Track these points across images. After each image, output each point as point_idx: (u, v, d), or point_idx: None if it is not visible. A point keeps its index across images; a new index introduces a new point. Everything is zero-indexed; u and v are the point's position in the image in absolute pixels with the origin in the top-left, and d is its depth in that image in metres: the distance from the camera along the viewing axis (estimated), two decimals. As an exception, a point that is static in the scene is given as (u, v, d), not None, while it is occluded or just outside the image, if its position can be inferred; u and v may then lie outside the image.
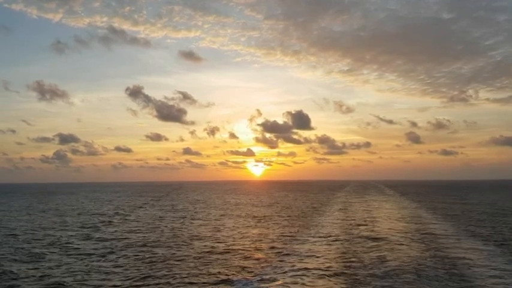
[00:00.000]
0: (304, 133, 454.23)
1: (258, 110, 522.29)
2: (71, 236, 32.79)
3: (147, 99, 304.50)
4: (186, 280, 18.68)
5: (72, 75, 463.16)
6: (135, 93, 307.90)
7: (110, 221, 43.07)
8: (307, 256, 23.41)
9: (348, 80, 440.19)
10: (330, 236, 30.56)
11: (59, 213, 54.92)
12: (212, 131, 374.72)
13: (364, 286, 17.25)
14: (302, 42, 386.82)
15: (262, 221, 42.36)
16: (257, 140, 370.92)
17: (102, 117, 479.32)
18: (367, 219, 42.27)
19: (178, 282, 18.33)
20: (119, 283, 18.39)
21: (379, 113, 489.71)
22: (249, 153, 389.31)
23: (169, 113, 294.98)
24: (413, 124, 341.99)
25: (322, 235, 31.28)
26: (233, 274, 19.58)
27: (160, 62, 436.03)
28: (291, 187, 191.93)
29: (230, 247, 26.64)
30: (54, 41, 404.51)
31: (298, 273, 19.59)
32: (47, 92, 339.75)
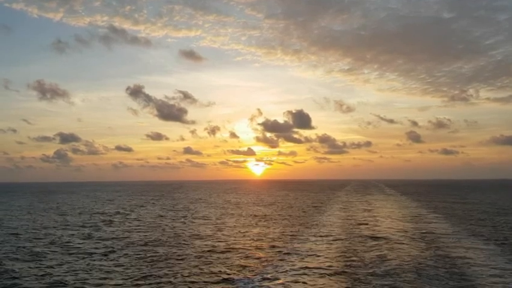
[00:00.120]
0: (305, 132, 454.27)
1: (258, 110, 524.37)
2: (72, 235, 32.87)
3: (148, 99, 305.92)
4: (187, 279, 18.73)
5: (72, 75, 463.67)
6: (135, 92, 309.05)
7: (110, 220, 43.14)
8: (308, 255, 23.45)
9: (348, 79, 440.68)
10: (331, 235, 30.61)
11: (60, 212, 55.02)
12: (213, 131, 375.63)
13: (365, 285, 17.29)
14: (302, 42, 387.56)
15: (262, 220, 42.41)
16: (258, 139, 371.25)
17: (102, 117, 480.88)
18: (368, 218, 42.31)
19: (180, 282, 18.37)
20: (120, 282, 18.43)
21: (380, 112, 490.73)
22: (250, 152, 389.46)
23: (170, 113, 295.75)
24: (414, 123, 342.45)
25: (322, 234, 31.32)
26: (234, 273, 19.62)
27: (161, 61, 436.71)
28: (292, 186, 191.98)
29: (231, 246, 26.69)
30: (55, 40, 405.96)
31: (299, 272, 19.63)
32: (47, 91, 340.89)
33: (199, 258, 23.14)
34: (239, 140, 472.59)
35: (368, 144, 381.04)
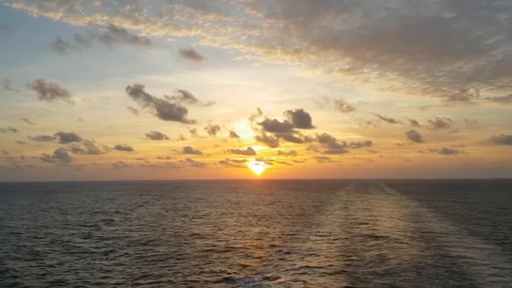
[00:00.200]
0: (305, 132, 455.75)
1: (258, 109, 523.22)
2: (73, 234, 32.92)
3: (148, 98, 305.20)
4: (188, 278, 18.77)
5: (72, 74, 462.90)
6: (135, 92, 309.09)
7: (111, 220, 43.19)
8: (308, 254, 23.50)
9: (348, 78, 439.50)
10: (331, 235, 30.65)
11: (61, 211, 55.08)
12: (213, 130, 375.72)
13: (365, 284, 17.34)
14: (302, 41, 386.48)
15: (263, 219, 42.46)
16: (258, 138, 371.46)
17: (102, 116, 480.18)
18: (368, 217, 42.35)
19: (180, 281, 18.42)
20: (120, 281, 18.48)
21: (380, 112, 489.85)
22: (250, 152, 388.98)
23: (170, 112, 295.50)
24: (414, 123, 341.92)
25: (323, 233, 31.37)
26: (235, 272, 19.67)
27: (161, 60, 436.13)
28: (292, 186, 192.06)
29: (231, 245, 26.74)
30: (55, 40, 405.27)
31: (300, 271, 19.68)
32: (47, 91, 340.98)
33: (199, 257, 23.20)
34: (239, 140, 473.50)
35: (368, 143, 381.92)
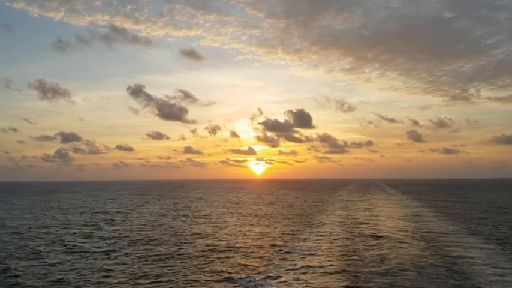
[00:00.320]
0: (306, 132, 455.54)
1: (259, 109, 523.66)
2: (74, 233, 33.00)
3: (149, 98, 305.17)
4: (189, 278, 18.82)
5: (73, 74, 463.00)
6: (136, 92, 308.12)
7: (112, 219, 43.27)
8: (309, 254, 23.55)
9: (349, 78, 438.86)
10: (332, 234, 30.70)
11: (62, 211, 55.18)
12: (213, 130, 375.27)
13: (366, 283, 17.37)
14: (303, 41, 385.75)
15: (263, 219, 42.51)
16: (258, 138, 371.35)
17: (103, 116, 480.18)
18: (369, 217, 42.39)
19: (181, 280, 18.47)
20: (121, 281, 18.53)
21: (381, 112, 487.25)
22: (250, 152, 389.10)
23: (171, 112, 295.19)
24: (415, 123, 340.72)
25: (323, 233, 31.41)
26: (235, 272, 19.72)
27: (162, 60, 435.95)
28: (292, 186, 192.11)
29: (232, 245, 26.79)
30: (56, 40, 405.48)
31: (300, 270, 19.73)
32: (48, 91, 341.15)
33: (200, 257, 23.25)
34: (240, 140, 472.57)
35: (369, 143, 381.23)
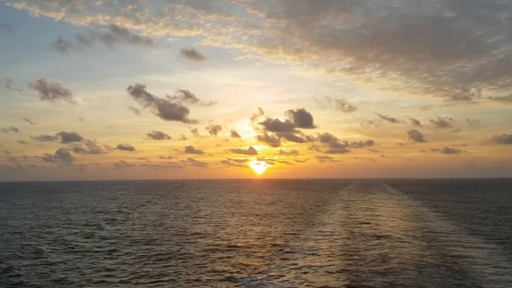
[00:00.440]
0: (307, 131, 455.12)
1: (260, 109, 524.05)
2: (76, 233, 33.10)
3: (149, 98, 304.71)
4: (191, 277, 18.90)
5: (74, 74, 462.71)
6: (137, 91, 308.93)
7: (113, 219, 43.36)
8: (310, 253, 23.61)
9: (350, 78, 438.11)
10: (333, 234, 30.75)
11: (63, 211, 55.30)
12: (214, 130, 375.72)
13: (367, 282, 17.43)
14: (304, 41, 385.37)
15: (264, 218, 42.57)
16: (259, 138, 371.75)
17: (104, 116, 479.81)
18: (370, 217, 42.43)
19: (183, 280, 18.54)
20: (123, 280, 18.62)
21: (382, 112, 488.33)
22: (251, 151, 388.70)
23: (172, 112, 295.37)
24: (416, 122, 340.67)
25: (325, 233, 31.47)
26: (237, 271, 19.79)
27: (162, 60, 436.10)
28: (293, 185, 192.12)
29: (234, 244, 26.86)
30: (57, 40, 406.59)
31: (302, 270, 19.80)
32: (49, 91, 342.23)
33: (202, 256, 23.32)
34: (240, 139, 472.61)
35: (370, 143, 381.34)
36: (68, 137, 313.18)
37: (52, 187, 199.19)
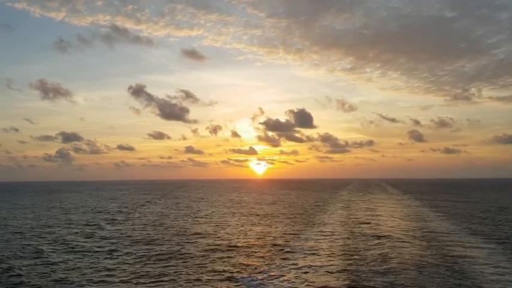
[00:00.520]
0: (307, 131, 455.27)
1: (260, 109, 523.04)
2: (76, 233, 33.12)
3: (150, 98, 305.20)
4: (191, 277, 18.92)
5: (74, 74, 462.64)
6: (137, 91, 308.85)
7: (113, 219, 43.39)
8: (311, 253, 23.63)
9: (350, 78, 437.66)
10: (333, 234, 30.77)
11: (63, 211, 55.33)
12: (214, 130, 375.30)
13: (367, 282, 17.45)
14: (304, 41, 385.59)
15: (265, 218, 42.59)
16: (259, 138, 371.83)
17: (104, 116, 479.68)
18: (370, 217, 42.45)
19: (183, 280, 18.57)
20: (124, 280, 18.64)
21: (382, 111, 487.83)
22: (252, 151, 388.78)
23: (172, 112, 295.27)
24: (416, 122, 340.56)
25: (325, 233, 31.48)
26: (237, 271, 19.81)
27: (163, 60, 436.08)
28: (293, 185, 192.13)
29: (234, 244, 26.88)
30: (57, 40, 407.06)
31: (302, 270, 19.82)
32: (49, 91, 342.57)
33: (202, 256, 23.34)
34: (241, 139, 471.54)
35: (370, 143, 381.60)
36: (68, 137, 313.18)
37: (52, 187, 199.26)
